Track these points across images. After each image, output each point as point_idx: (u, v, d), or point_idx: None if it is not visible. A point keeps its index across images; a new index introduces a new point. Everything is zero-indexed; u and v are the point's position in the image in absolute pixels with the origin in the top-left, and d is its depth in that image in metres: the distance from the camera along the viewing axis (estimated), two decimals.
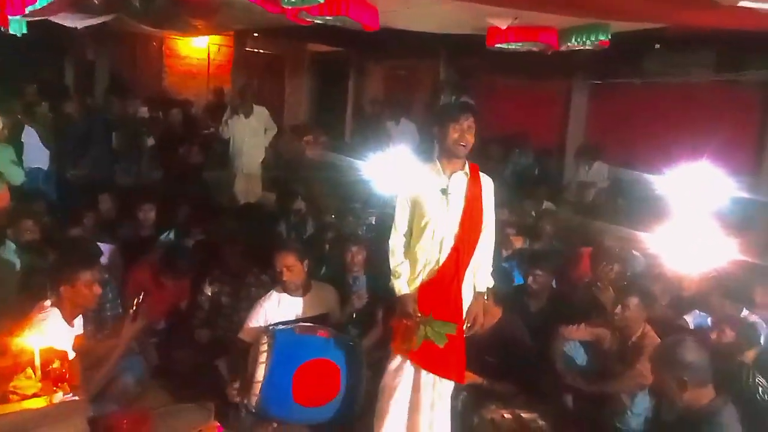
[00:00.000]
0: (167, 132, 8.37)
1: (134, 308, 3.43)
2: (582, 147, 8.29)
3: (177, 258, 4.51)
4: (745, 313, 3.96)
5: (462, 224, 3.21)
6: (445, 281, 3.21)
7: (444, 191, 3.22)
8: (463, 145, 3.19)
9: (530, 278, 4.43)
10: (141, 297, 3.47)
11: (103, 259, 4.43)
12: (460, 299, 3.26)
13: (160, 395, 3.95)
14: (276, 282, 4.07)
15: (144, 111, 9.71)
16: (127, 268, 4.68)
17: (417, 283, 3.26)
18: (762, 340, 3.65)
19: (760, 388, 3.26)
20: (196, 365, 4.09)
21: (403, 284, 3.26)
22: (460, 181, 3.25)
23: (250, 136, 7.44)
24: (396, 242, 3.32)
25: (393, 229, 3.32)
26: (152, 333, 4.34)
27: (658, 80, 7.26)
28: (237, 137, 7.41)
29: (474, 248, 3.26)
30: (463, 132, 3.17)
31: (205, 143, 8.22)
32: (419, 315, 3.18)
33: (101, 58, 10.11)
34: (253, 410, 3.52)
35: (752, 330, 3.66)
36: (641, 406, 3.60)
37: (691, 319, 4.20)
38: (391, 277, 3.29)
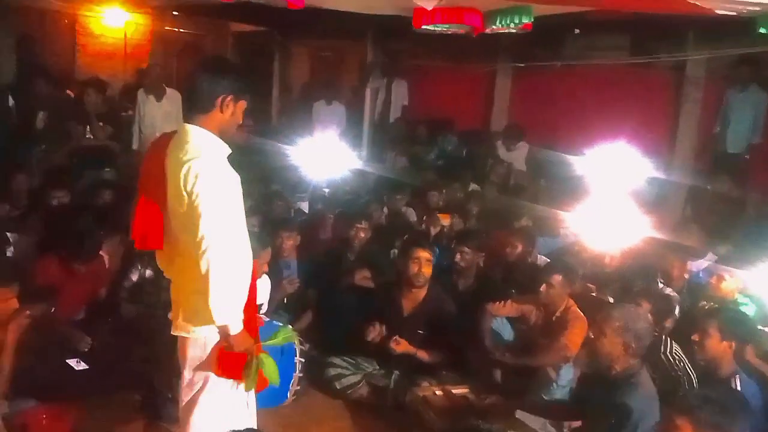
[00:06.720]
0: (78, 113, 7.91)
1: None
2: (507, 129, 8.46)
3: (84, 242, 4.19)
4: (660, 286, 4.17)
5: None
6: (254, 287, 2.59)
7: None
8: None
9: (458, 255, 4.48)
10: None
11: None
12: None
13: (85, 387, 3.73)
14: None
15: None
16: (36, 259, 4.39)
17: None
18: (677, 312, 3.85)
19: (677, 357, 3.43)
20: (121, 353, 3.91)
21: (240, 315, 2.42)
22: None
23: (163, 120, 6.80)
24: (235, 259, 2.35)
25: (222, 240, 2.30)
26: (72, 323, 4.13)
27: (577, 63, 7.48)
28: (147, 121, 6.88)
29: None
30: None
31: (122, 126, 7.82)
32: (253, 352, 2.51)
33: (5, 36, 9.42)
34: None
35: (666, 301, 3.86)
36: (566, 378, 3.73)
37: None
38: (224, 313, 2.35)
